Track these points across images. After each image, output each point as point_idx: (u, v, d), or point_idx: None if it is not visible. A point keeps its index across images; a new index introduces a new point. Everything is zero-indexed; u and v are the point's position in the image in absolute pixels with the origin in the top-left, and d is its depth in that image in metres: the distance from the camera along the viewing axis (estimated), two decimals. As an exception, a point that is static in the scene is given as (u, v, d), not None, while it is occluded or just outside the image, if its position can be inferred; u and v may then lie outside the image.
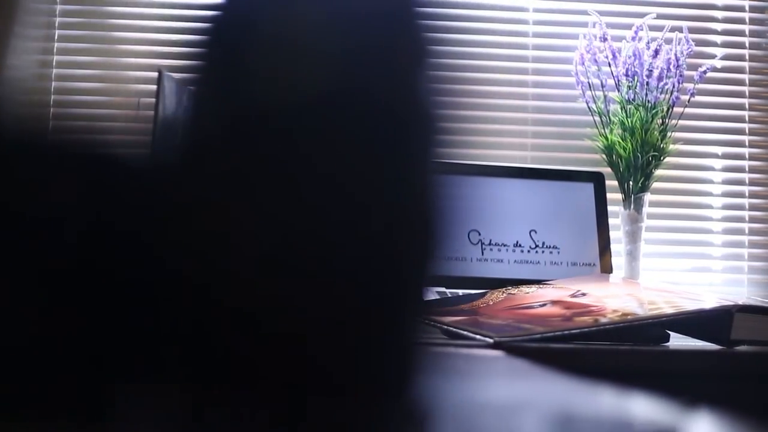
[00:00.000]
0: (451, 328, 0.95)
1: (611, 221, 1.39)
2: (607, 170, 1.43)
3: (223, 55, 0.22)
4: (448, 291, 1.25)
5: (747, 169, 1.60)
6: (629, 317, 0.95)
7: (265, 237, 0.22)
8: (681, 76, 1.43)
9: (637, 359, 0.91)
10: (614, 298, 1.06)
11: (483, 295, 1.11)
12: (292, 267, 0.23)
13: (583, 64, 1.46)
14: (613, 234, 1.38)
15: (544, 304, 1.04)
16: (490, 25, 1.59)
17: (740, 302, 1.00)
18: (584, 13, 1.53)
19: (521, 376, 0.44)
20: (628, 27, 1.47)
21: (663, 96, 1.43)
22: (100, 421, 0.20)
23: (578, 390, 0.35)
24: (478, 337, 0.89)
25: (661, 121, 1.44)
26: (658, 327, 1.08)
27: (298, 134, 0.22)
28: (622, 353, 0.91)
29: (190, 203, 0.21)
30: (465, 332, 0.92)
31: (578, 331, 0.91)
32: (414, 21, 0.25)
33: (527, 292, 1.12)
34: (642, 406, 0.28)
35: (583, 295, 1.08)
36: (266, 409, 0.22)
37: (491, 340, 0.87)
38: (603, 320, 0.93)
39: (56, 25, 1.55)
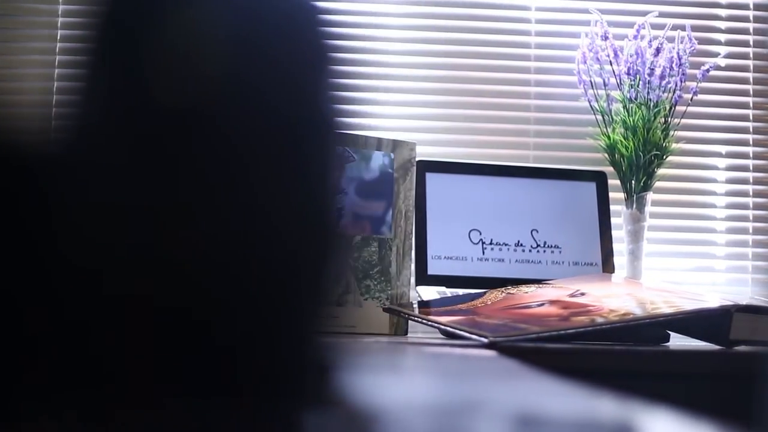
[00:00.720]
0: (447, 328, 0.95)
1: (613, 220, 1.38)
2: (609, 169, 1.43)
3: (120, 46, 0.22)
4: (448, 291, 1.25)
5: (751, 168, 1.59)
6: (627, 317, 0.95)
7: (155, 232, 0.22)
8: (684, 74, 1.42)
9: (633, 359, 0.90)
10: (613, 297, 1.06)
11: (482, 294, 1.10)
12: (181, 262, 0.22)
13: (585, 62, 1.46)
14: (615, 233, 1.38)
15: (542, 304, 1.03)
16: (493, 24, 1.59)
17: (741, 302, 0.99)
18: (587, 11, 1.52)
19: (495, 376, 0.44)
20: (631, 25, 1.46)
21: (665, 95, 1.42)
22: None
23: (547, 390, 0.35)
24: (473, 337, 0.89)
25: (663, 119, 1.43)
26: (657, 327, 1.07)
27: (191, 132, 0.22)
28: (617, 353, 0.90)
29: (72, 193, 0.21)
30: (461, 332, 0.91)
31: (574, 330, 0.90)
32: (315, 28, 0.25)
33: (526, 292, 1.12)
34: (595, 406, 0.28)
35: (582, 294, 1.08)
36: (169, 408, 0.22)
37: (486, 340, 0.87)
38: (599, 320, 0.93)
39: (59, 25, 1.55)
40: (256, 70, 0.23)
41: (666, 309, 0.97)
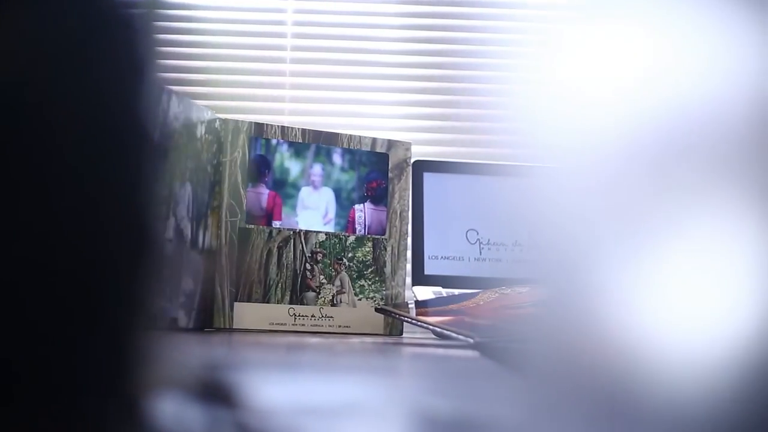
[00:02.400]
0: (435, 328, 0.94)
1: (612, 220, 1.37)
2: (608, 168, 1.42)
3: None
4: (444, 291, 1.24)
5: (754, 167, 1.57)
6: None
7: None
8: (684, 72, 1.41)
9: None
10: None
11: (474, 295, 1.10)
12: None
13: (584, 61, 1.45)
14: (614, 233, 1.37)
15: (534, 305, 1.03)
16: (495, 23, 1.58)
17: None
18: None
19: (448, 377, 0.43)
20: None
21: (665, 93, 1.41)
22: None
23: (494, 392, 0.34)
24: (459, 337, 0.88)
25: (663, 118, 1.42)
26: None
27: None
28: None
29: None
30: (447, 332, 0.91)
31: (562, 331, 0.89)
32: (132, 34, 0.24)
33: (520, 292, 1.11)
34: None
35: (576, 294, 1.07)
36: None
37: (471, 341, 0.86)
38: (589, 320, 0.92)
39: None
40: (65, 75, 0.23)
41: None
